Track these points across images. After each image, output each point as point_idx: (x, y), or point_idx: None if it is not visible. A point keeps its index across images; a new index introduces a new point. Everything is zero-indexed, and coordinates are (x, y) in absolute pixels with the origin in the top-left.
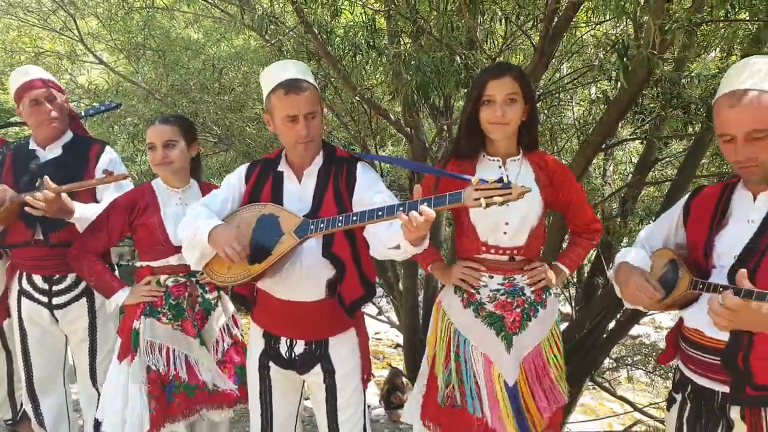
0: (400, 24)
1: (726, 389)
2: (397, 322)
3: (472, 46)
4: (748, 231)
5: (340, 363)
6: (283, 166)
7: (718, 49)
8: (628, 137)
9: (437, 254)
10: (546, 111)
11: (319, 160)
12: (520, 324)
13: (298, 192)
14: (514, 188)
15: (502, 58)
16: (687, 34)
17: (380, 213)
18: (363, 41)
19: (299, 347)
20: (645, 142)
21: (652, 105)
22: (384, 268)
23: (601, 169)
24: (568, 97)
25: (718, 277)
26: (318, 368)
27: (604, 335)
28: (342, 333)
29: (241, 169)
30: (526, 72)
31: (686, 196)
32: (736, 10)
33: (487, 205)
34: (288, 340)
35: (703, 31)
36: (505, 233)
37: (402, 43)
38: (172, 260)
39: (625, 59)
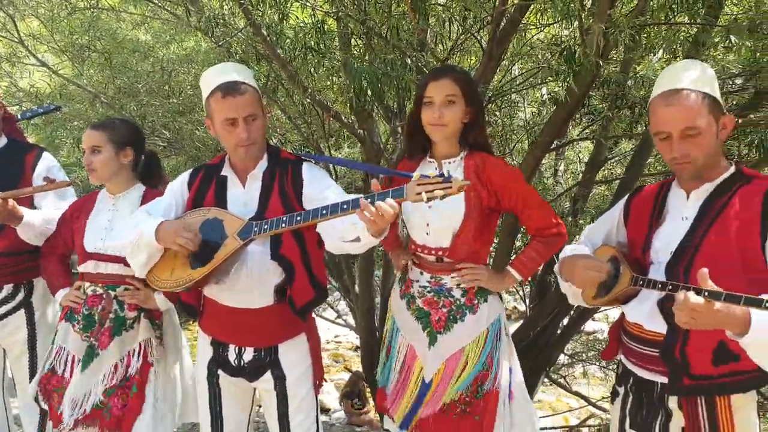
0: (350, 26)
1: (665, 380)
2: (355, 325)
3: (423, 49)
4: (682, 228)
5: (290, 369)
6: (226, 171)
7: (662, 51)
8: (577, 137)
9: (399, 242)
10: (498, 113)
11: (263, 163)
12: (446, 324)
13: (243, 196)
14: (454, 182)
15: (452, 61)
16: (631, 36)
17: (324, 212)
18: (313, 43)
19: (248, 354)
20: (594, 141)
21: (599, 105)
22: (340, 271)
23: (553, 168)
24: (520, 98)
25: (656, 272)
26: (268, 375)
27: (558, 332)
28: (292, 339)
29: (184, 176)
30: (475, 74)
31: (626, 196)
32: (676, 13)
33: (429, 199)
34: (236, 348)
35: (646, 33)
36: (428, 234)
37: (353, 45)
38: (89, 267)
39: (573, 63)
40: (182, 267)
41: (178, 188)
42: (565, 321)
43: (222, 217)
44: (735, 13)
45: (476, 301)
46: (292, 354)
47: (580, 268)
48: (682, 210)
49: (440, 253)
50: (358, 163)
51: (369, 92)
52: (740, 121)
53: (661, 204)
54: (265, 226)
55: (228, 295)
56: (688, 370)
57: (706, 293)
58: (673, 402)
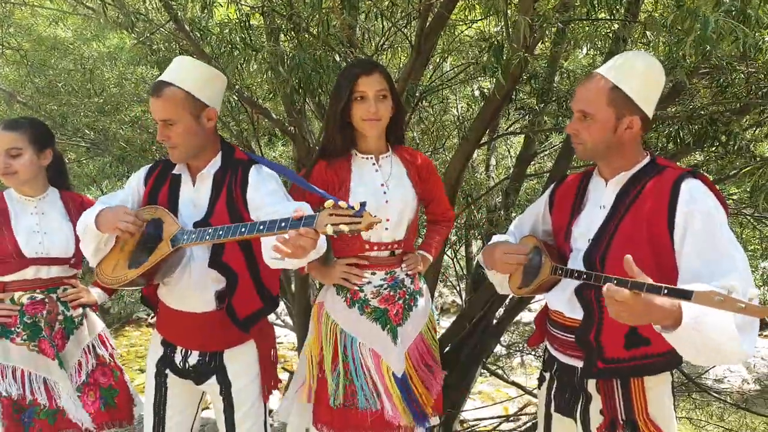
0: (278, 21)
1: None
2: (293, 324)
3: (352, 45)
4: (600, 216)
5: (236, 377)
6: (180, 169)
7: (585, 47)
8: (506, 132)
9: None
10: (431, 109)
11: (215, 163)
12: (403, 315)
13: (193, 197)
14: (364, 218)
15: (383, 57)
16: (557, 32)
17: (243, 230)
18: (238, 38)
19: (193, 358)
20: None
21: (528, 100)
22: None
23: (485, 163)
24: (452, 94)
25: (575, 260)
26: (213, 379)
27: (494, 323)
28: (239, 345)
29: (142, 171)
30: (404, 70)
31: (552, 186)
32: (597, 9)
33: (335, 233)
34: (183, 350)
35: (571, 29)
36: (386, 229)
37: (281, 40)
38: (28, 274)
39: (500, 58)
40: (122, 265)
41: (134, 183)
42: (501, 312)
43: (164, 218)
44: (650, 10)
45: (421, 284)
46: (238, 362)
47: (499, 253)
48: (600, 198)
49: (395, 246)
50: (289, 170)
51: (301, 88)
52: (658, 113)
53: (582, 193)
54: (193, 236)
55: (172, 298)
56: (601, 354)
57: (629, 284)
58: (592, 386)
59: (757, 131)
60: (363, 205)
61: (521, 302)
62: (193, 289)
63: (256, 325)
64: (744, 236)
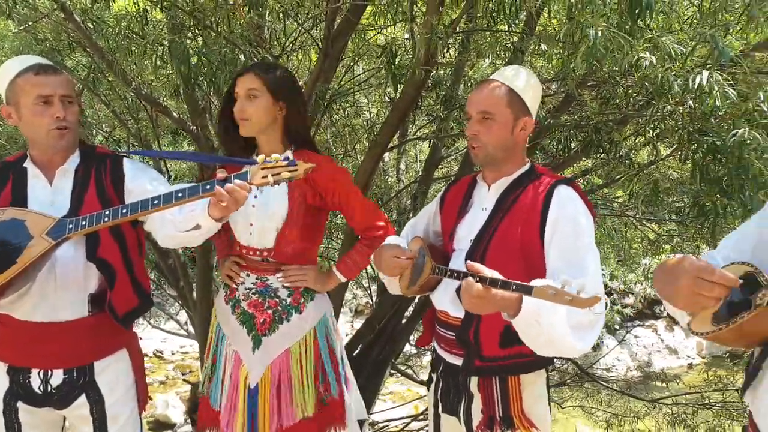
0: (180, 16)
1: None
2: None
3: (260, 44)
4: (482, 218)
5: (110, 390)
6: (28, 166)
7: (488, 57)
8: (414, 137)
9: (225, 249)
10: (342, 112)
11: (75, 158)
12: (271, 326)
13: (49, 195)
14: (300, 165)
15: (293, 58)
16: (461, 42)
17: (156, 202)
18: (137, 32)
19: (56, 378)
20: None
21: (435, 106)
22: (176, 278)
23: (395, 167)
24: (365, 98)
25: (458, 259)
26: (82, 399)
27: (403, 321)
28: (111, 355)
29: None
30: (312, 72)
31: (443, 189)
32: (497, 22)
33: (276, 182)
34: (41, 372)
35: (474, 39)
36: (251, 234)
37: (186, 37)
38: None
39: (393, 65)
40: None
41: None
42: (411, 311)
43: (23, 217)
44: (546, 24)
45: (303, 301)
46: (112, 372)
47: (387, 256)
48: (483, 201)
49: (265, 253)
50: (194, 153)
51: (205, 85)
52: (551, 122)
53: (469, 196)
54: (83, 222)
55: (31, 308)
56: (479, 352)
57: (488, 281)
58: (473, 385)
59: (636, 140)
60: (291, 156)
61: (429, 301)
62: (65, 293)
63: (132, 326)
64: (629, 235)
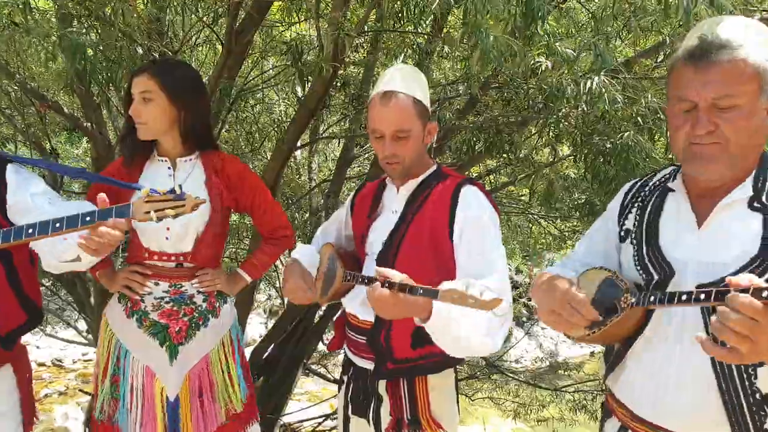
0: (69, 5)
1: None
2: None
3: (158, 38)
4: (392, 220)
5: None
6: None
7: (399, 57)
8: (321, 135)
9: (108, 260)
10: (250, 109)
11: None
12: (187, 334)
13: None
14: (188, 200)
15: (197, 53)
16: (370, 41)
17: (30, 231)
18: (18, 23)
19: None
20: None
21: (344, 105)
22: (73, 284)
23: (307, 165)
24: (276, 95)
25: (370, 262)
26: None
27: (314, 323)
28: None
29: None
30: (216, 68)
31: (352, 194)
32: (404, 23)
33: (159, 219)
34: None
35: (384, 39)
36: (167, 239)
37: (77, 28)
38: None
39: (299, 63)
40: None
41: None
42: (322, 311)
43: None
44: (451, 26)
45: (217, 305)
46: None
47: (292, 287)
48: (393, 204)
49: (181, 258)
50: (72, 168)
51: (99, 77)
52: (457, 123)
53: (378, 199)
54: None
55: None
56: (391, 355)
57: (396, 286)
58: (382, 387)
59: (537, 141)
60: (180, 188)
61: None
62: None
63: (18, 343)
64: (534, 231)
